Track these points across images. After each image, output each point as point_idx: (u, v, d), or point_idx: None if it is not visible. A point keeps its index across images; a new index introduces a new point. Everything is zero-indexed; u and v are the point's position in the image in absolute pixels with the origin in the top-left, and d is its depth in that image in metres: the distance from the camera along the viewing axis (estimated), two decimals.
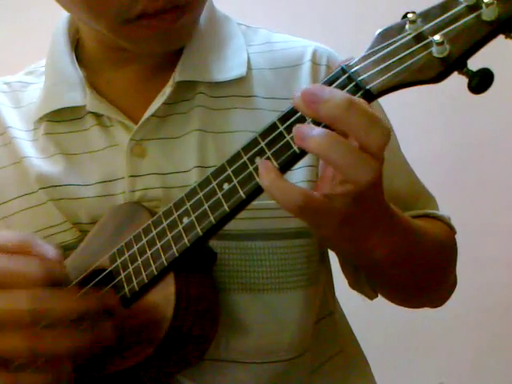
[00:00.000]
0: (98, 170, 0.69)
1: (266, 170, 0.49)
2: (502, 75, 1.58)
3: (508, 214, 1.68)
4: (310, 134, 0.47)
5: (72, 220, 0.68)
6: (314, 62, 0.73)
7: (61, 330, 0.53)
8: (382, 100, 0.72)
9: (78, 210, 0.68)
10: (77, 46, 0.76)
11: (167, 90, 0.68)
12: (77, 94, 0.71)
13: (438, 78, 0.47)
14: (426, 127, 1.67)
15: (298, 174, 0.67)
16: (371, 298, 0.77)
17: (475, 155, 1.68)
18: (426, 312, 1.64)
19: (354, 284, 0.77)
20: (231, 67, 0.70)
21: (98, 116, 0.70)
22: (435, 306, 0.79)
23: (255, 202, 0.61)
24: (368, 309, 1.68)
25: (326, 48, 0.76)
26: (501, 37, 0.46)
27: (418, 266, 0.64)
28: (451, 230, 0.75)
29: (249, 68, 0.71)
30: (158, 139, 0.68)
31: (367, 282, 0.74)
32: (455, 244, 0.74)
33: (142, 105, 0.69)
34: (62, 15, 0.76)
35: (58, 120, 0.72)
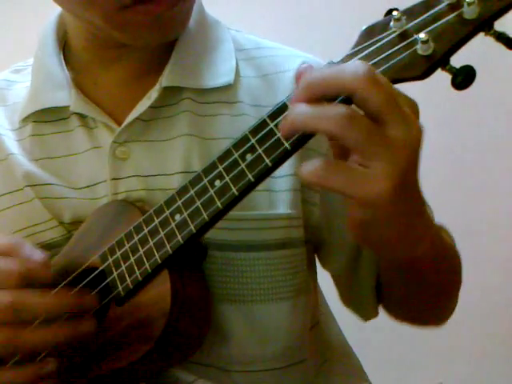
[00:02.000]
0: (82, 172, 0.69)
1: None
2: (499, 75, 1.59)
3: (508, 214, 1.68)
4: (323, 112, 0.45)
5: (57, 219, 0.69)
6: None
7: (39, 326, 0.56)
8: None
9: (62, 210, 0.69)
10: (64, 47, 0.76)
11: (153, 94, 0.67)
12: (62, 94, 0.71)
13: (423, 75, 0.47)
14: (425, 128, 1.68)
15: (282, 183, 0.67)
16: (368, 316, 0.76)
17: (474, 156, 1.68)
18: None
19: (348, 300, 0.76)
20: (219, 74, 0.70)
21: (82, 117, 0.70)
22: (435, 325, 0.77)
23: (237, 213, 0.62)
24: None
25: (317, 60, 0.74)
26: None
27: (444, 267, 0.63)
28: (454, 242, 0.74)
29: (237, 75, 0.71)
30: (142, 141, 0.68)
31: (384, 291, 0.72)
32: (460, 256, 0.72)
33: (128, 107, 0.68)
34: (51, 15, 0.76)
35: (44, 120, 0.72)
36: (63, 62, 0.74)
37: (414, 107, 0.47)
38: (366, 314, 0.76)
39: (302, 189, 0.68)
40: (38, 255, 0.60)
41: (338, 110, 0.44)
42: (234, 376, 0.68)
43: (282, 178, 0.67)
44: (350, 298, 0.76)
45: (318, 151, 0.70)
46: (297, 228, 0.68)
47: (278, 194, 0.67)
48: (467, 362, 1.70)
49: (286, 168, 0.66)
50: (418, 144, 0.46)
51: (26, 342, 0.56)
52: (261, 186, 0.64)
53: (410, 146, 0.45)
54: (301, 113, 0.46)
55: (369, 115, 0.45)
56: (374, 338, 1.63)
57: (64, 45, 0.76)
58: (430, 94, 1.56)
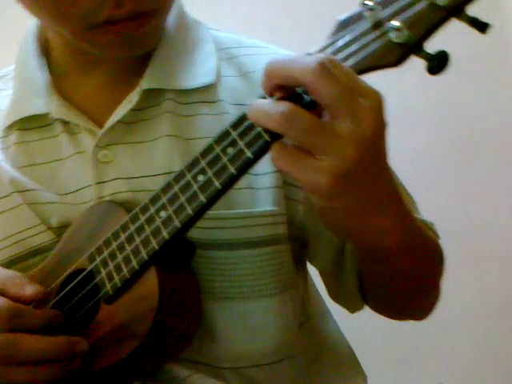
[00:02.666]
0: (67, 177, 0.69)
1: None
2: (497, 73, 1.58)
3: (505, 212, 1.68)
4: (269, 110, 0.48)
5: (45, 224, 0.69)
6: None
7: (27, 366, 0.59)
8: None
9: (50, 215, 0.69)
10: (47, 52, 0.75)
11: (134, 97, 0.68)
12: (43, 101, 0.71)
13: (398, 62, 0.48)
14: (421, 125, 1.67)
15: (265, 180, 0.67)
16: (355, 308, 0.76)
17: (474, 154, 1.68)
18: None
19: (335, 294, 0.77)
20: (200, 74, 0.70)
21: (65, 122, 0.70)
22: (420, 317, 0.78)
23: (220, 212, 0.63)
24: (366, 309, 1.68)
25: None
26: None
27: (421, 260, 0.62)
28: (436, 237, 0.74)
29: (218, 75, 0.71)
30: (125, 144, 0.68)
31: (364, 285, 0.72)
32: (442, 251, 0.72)
33: (110, 110, 0.68)
34: (34, 20, 0.76)
35: (29, 127, 0.72)
36: (45, 67, 0.74)
37: (375, 99, 0.47)
38: (353, 306, 0.76)
39: (284, 185, 0.68)
40: (30, 290, 0.62)
41: (278, 108, 0.46)
42: (225, 373, 0.68)
43: (264, 176, 0.67)
44: (337, 293, 0.76)
45: None
46: (281, 224, 0.68)
47: (261, 191, 0.67)
48: (467, 362, 1.69)
49: (268, 165, 0.67)
50: (370, 138, 0.46)
51: (12, 380, 0.59)
52: (243, 184, 0.66)
53: (359, 141, 0.46)
54: (251, 110, 0.49)
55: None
56: (374, 338, 1.62)
57: (47, 49, 0.76)
58: (427, 91, 1.58)
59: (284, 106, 0.46)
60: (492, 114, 1.65)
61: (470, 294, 1.64)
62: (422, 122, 1.67)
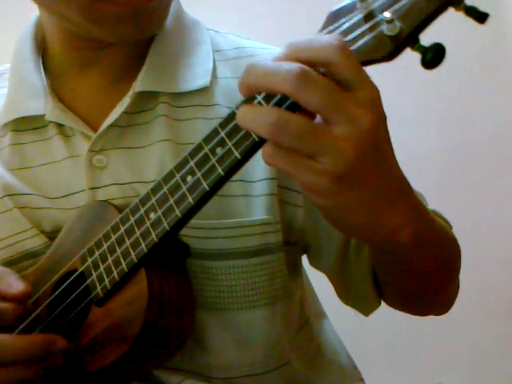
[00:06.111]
0: (60, 182, 0.68)
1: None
2: (498, 73, 1.57)
3: (508, 213, 1.67)
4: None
5: (37, 228, 0.68)
6: None
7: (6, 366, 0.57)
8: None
9: (42, 220, 0.68)
10: (44, 53, 0.74)
11: (126, 100, 0.66)
12: (38, 103, 0.69)
13: (390, 56, 0.46)
14: (423, 127, 1.67)
15: (259, 187, 0.66)
16: (369, 307, 0.72)
17: (474, 154, 1.68)
18: None
19: (346, 295, 0.74)
20: (195, 77, 0.68)
21: (60, 125, 0.69)
22: (440, 312, 0.75)
23: (213, 222, 0.62)
24: None
25: None
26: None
27: (437, 253, 0.60)
28: (450, 226, 0.72)
29: (214, 77, 0.69)
30: (119, 148, 0.67)
31: (379, 281, 0.69)
32: (457, 240, 0.70)
33: (104, 114, 0.67)
34: (29, 19, 0.75)
35: (23, 129, 0.71)
36: (41, 68, 0.72)
37: (368, 93, 0.46)
38: (367, 307, 0.72)
39: (280, 190, 0.67)
40: (16, 289, 0.60)
41: (266, 118, 0.44)
42: (215, 382, 0.67)
43: (259, 183, 0.66)
44: (348, 293, 0.73)
45: None
46: (274, 233, 0.67)
47: (255, 199, 0.66)
48: (467, 362, 1.69)
49: (262, 172, 0.66)
50: (367, 134, 0.45)
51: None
52: (238, 192, 0.65)
53: (355, 139, 0.44)
54: (239, 116, 0.46)
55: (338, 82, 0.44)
56: (374, 339, 1.62)
57: (43, 51, 0.74)
58: (428, 93, 1.57)
59: (272, 115, 0.44)
60: (492, 114, 1.65)
61: (470, 294, 1.62)
62: (423, 124, 1.66)
